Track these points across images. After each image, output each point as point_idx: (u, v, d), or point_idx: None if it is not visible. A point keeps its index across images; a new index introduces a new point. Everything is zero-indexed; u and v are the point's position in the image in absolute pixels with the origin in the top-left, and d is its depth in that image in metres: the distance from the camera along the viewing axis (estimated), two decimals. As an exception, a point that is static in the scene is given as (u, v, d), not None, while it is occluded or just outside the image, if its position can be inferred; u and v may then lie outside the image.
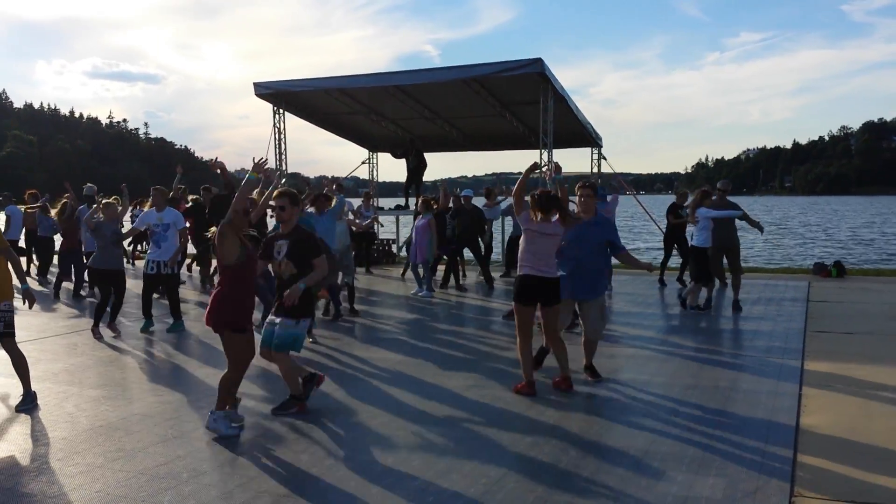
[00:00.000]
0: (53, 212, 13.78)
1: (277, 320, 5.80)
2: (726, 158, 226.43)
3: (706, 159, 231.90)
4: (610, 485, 4.44)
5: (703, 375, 7.03)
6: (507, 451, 5.05)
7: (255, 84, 16.73)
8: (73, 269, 13.15)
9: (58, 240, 14.47)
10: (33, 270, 15.53)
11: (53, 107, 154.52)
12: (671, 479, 4.52)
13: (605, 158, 20.06)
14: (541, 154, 15.19)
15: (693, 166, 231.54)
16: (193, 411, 6.03)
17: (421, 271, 12.76)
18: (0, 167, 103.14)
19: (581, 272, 6.71)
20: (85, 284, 13.05)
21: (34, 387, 6.33)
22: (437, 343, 8.72)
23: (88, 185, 14.25)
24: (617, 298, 11.93)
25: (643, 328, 9.40)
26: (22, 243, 15.78)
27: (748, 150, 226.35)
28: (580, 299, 6.87)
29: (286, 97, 17.32)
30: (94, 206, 10.36)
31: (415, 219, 13.69)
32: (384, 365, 7.59)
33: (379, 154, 22.09)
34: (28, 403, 6.14)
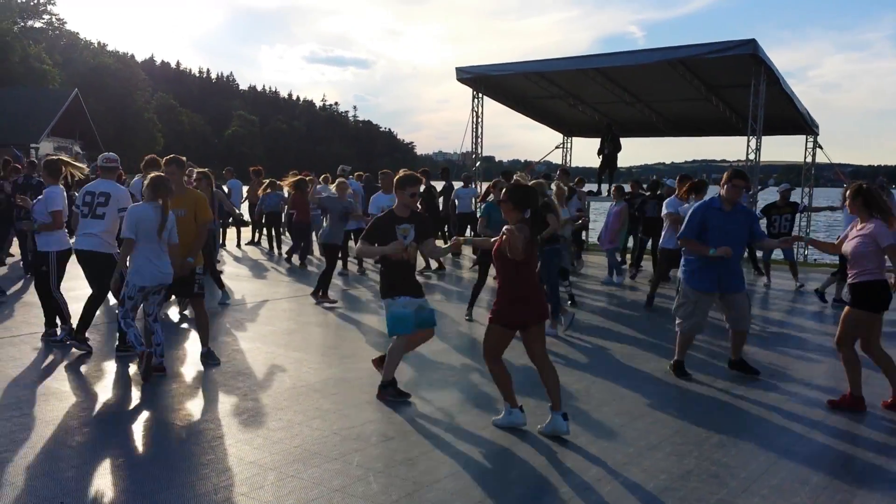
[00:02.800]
0: (285, 185, 15.13)
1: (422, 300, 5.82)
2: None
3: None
4: (800, 495, 4.15)
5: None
6: (698, 444, 4.87)
7: (457, 69, 17.12)
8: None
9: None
10: (263, 242, 16.95)
11: (274, 89, 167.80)
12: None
13: (820, 147, 18.58)
14: (748, 140, 14.34)
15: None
16: (384, 380, 6.33)
17: (611, 257, 12.64)
18: (226, 144, 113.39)
19: (729, 263, 6.43)
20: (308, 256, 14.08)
21: (245, 346, 6.93)
22: (628, 329, 8.54)
23: (342, 165, 15.38)
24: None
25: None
26: (246, 216, 17.46)
27: None
28: (729, 292, 6.55)
29: (485, 81, 17.57)
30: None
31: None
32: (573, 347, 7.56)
33: (573, 138, 21.86)
34: (207, 359, 6.67)
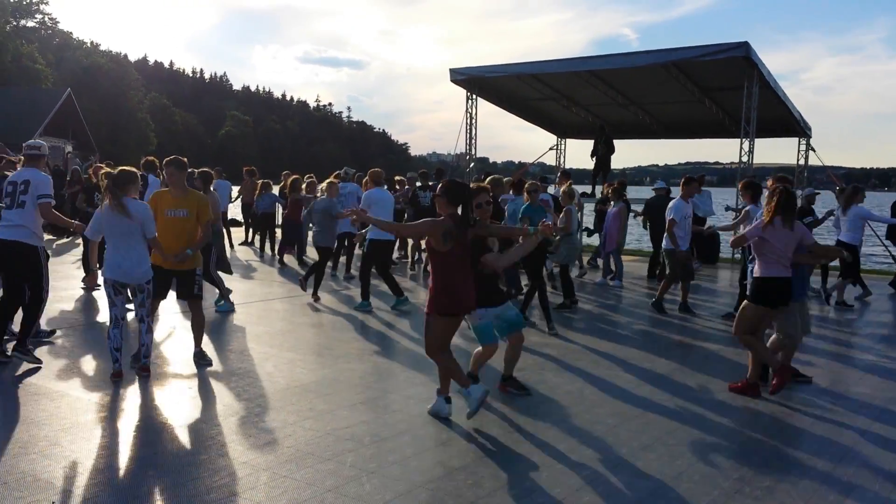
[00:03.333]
0: (276, 188, 15.16)
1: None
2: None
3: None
4: (792, 496, 4.16)
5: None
6: (691, 444, 4.88)
7: (450, 70, 17.15)
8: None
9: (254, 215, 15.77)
10: (257, 242, 16.91)
11: (267, 89, 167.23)
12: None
13: (813, 150, 18.70)
14: (741, 143, 14.40)
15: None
16: (379, 381, 6.33)
17: (612, 259, 12.64)
18: (220, 144, 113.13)
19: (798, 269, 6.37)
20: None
21: (238, 346, 6.91)
22: (622, 330, 8.56)
23: (346, 168, 15.42)
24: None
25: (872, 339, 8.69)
26: (239, 217, 17.42)
27: None
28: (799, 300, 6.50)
29: (479, 83, 17.61)
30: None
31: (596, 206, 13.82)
32: (579, 348, 7.57)
33: (567, 140, 21.90)
34: (199, 359, 6.68)
